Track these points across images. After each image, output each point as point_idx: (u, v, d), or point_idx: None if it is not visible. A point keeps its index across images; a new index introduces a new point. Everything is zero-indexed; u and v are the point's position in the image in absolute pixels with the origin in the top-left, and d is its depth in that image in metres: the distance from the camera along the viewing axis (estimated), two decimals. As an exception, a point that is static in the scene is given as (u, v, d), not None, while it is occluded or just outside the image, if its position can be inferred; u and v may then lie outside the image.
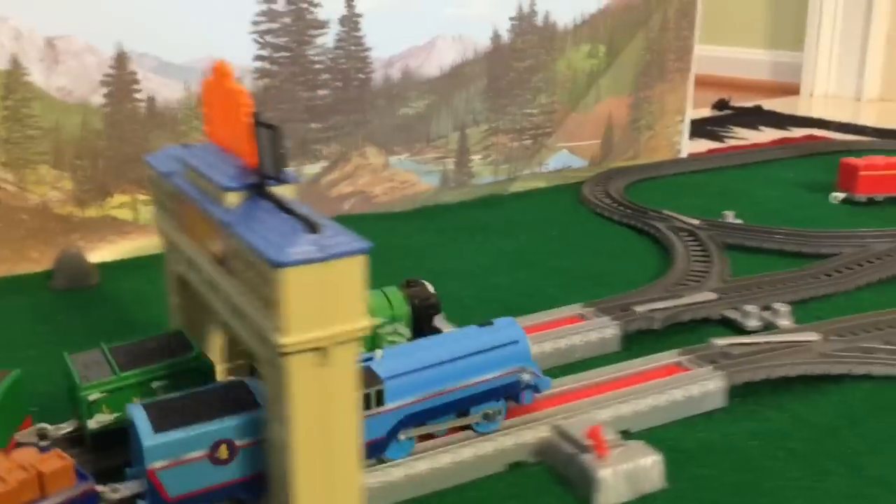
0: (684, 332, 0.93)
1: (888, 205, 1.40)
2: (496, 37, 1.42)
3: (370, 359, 0.66)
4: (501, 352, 0.70)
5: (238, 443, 0.58)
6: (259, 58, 1.22)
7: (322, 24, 1.25)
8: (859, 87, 2.55)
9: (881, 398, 0.79)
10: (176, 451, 0.56)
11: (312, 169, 1.30)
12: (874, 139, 1.93)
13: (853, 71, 2.56)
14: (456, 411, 0.69)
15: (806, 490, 0.66)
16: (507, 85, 1.46)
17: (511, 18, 1.43)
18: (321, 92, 1.28)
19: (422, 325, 0.79)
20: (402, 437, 0.66)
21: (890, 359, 0.83)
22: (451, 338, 0.71)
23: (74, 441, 0.67)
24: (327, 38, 1.26)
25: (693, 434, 0.73)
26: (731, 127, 2.12)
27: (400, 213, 1.37)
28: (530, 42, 1.46)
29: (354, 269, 0.52)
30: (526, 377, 0.70)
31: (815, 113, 2.33)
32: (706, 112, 2.34)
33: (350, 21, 1.28)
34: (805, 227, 1.24)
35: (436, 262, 1.15)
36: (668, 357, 0.82)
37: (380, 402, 0.64)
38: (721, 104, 2.39)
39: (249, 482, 0.59)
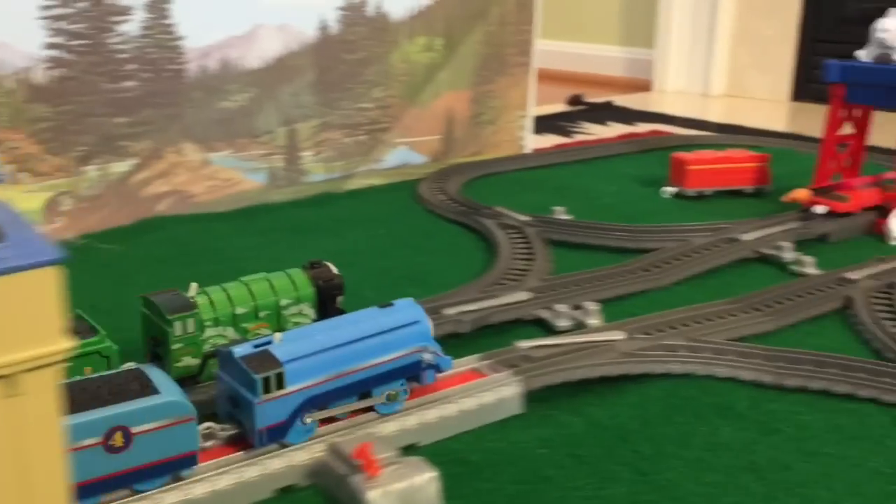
0: (495, 334, 0.90)
1: (716, 199, 1.42)
2: (324, 27, 1.36)
3: (269, 342, 0.66)
4: (402, 332, 0.70)
5: (134, 430, 0.57)
6: (52, 46, 1.11)
7: (124, 11, 1.16)
8: (707, 84, 2.63)
9: (676, 398, 0.77)
10: (69, 437, 0.52)
11: (120, 167, 1.21)
12: (715, 134, 1.98)
13: (701, 68, 2.64)
14: (358, 393, 0.69)
15: (588, 499, 0.63)
16: (337, 78, 1.40)
17: (339, 8, 1.37)
18: (127, 83, 1.18)
19: (326, 306, 0.79)
20: (305, 420, 0.66)
21: (690, 357, 0.83)
22: (351, 319, 0.70)
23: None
24: (131, 26, 1.17)
25: (482, 444, 0.70)
26: (581, 122, 2.14)
27: (220, 214, 1.28)
28: (361, 33, 1.40)
29: (46, 284, 0.45)
30: (427, 357, 0.71)
31: (666, 109, 2.38)
32: (560, 107, 2.36)
33: (157, 7, 1.19)
34: (635, 222, 1.25)
35: (249, 265, 1.07)
36: (467, 363, 0.79)
37: (280, 385, 0.64)
38: (574, 100, 2.41)
39: (147, 471, 0.58)
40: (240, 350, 0.64)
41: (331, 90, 1.40)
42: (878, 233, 1.23)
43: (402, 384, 0.70)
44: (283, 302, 0.77)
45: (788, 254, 1.11)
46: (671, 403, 0.77)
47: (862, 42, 1.28)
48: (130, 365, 0.64)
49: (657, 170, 1.58)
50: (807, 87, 2.48)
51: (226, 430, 0.65)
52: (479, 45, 1.57)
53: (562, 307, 0.92)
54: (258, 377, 0.62)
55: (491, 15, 1.57)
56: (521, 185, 1.51)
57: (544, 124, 2.10)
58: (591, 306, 0.92)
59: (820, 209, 1.23)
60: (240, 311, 0.75)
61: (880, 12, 1.27)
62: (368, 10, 1.40)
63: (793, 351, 0.84)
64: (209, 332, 0.73)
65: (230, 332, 0.74)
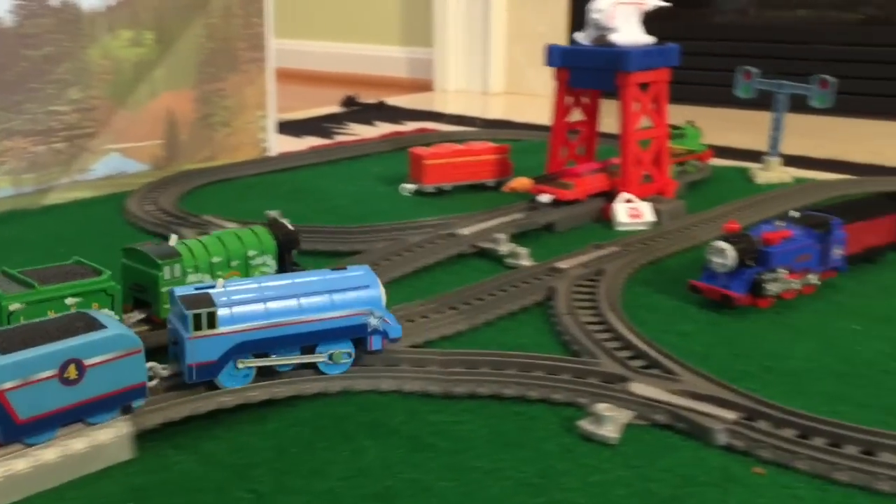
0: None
1: (456, 193, 1.35)
2: (-9, 19, 1.18)
3: (213, 287, 0.68)
4: (350, 294, 0.71)
5: (87, 362, 0.59)
6: None
7: None
8: (486, 82, 2.61)
9: (326, 419, 0.67)
10: (24, 371, 0.56)
11: None
12: (479, 129, 1.93)
13: (479, 67, 2.61)
14: (299, 346, 0.70)
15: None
16: (17, 77, 1.22)
17: (12, -2, 1.19)
18: None
19: (283, 258, 0.89)
20: (239, 366, 0.67)
21: (352, 372, 0.73)
22: (301, 276, 0.73)
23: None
24: None
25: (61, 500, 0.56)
26: (348, 123, 2.04)
27: None
28: (45, 26, 1.23)
29: None
30: (374, 321, 0.71)
31: (443, 107, 2.32)
32: (335, 109, 2.25)
33: None
34: (364, 222, 1.15)
35: None
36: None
37: (211, 324, 0.66)
38: (348, 101, 2.31)
39: (99, 403, 0.60)
40: (181, 290, 0.68)
41: (10, 91, 1.21)
42: (607, 219, 1.19)
43: (347, 346, 0.71)
44: (251, 253, 0.86)
45: (504, 246, 1.04)
46: (318, 426, 0.66)
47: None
48: (77, 311, 0.66)
49: (405, 167, 1.49)
50: (580, 81, 2.50)
51: (166, 370, 0.67)
52: (201, 40, 1.43)
53: (225, 323, 0.80)
54: (189, 313, 0.65)
55: (212, 6, 1.44)
56: (253, 191, 1.38)
57: (308, 126, 1.99)
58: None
59: (545, 198, 1.18)
60: (215, 259, 0.83)
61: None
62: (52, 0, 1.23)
63: (473, 353, 0.76)
64: (190, 277, 0.80)
65: (207, 279, 0.81)
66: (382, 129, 1.98)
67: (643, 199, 1.20)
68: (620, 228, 1.17)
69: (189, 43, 1.42)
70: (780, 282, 0.90)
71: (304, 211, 1.25)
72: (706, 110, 1.97)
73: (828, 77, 1.37)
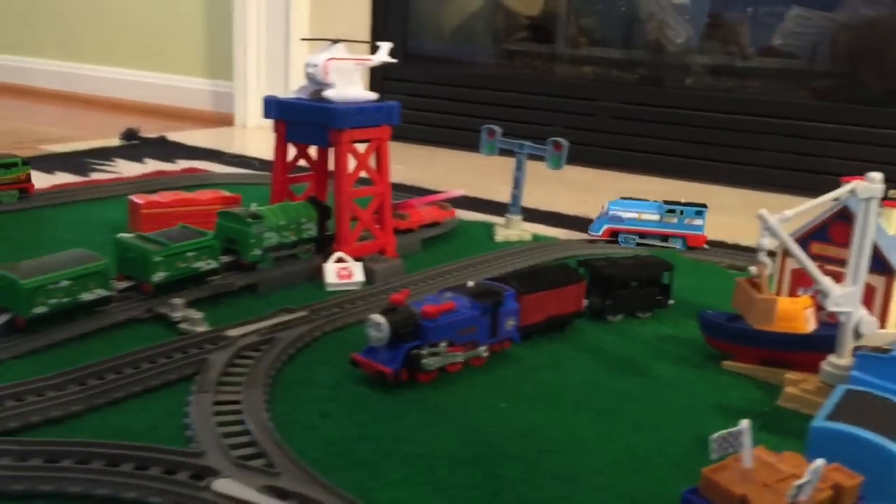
0: None
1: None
2: None
3: None
4: None
5: None
6: None
7: None
8: (287, 120, 2.55)
9: None
10: None
11: None
12: (256, 171, 1.86)
13: (281, 103, 2.55)
14: None
15: None
16: None
17: None
18: None
19: (322, 225, 1.20)
20: None
21: None
22: None
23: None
24: None
25: None
26: (116, 159, 1.93)
27: None
28: None
29: None
30: None
31: (237, 146, 2.25)
32: (111, 142, 2.13)
33: None
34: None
35: None
36: None
37: None
38: (129, 134, 2.19)
39: None
40: None
41: None
42: (320, 278, 1.15)
43: None
44: (302, 220, 1.16)
45: (178, 311, 0.98)
46: None
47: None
48: None
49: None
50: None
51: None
52: None
53: None
54: None
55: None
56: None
57: (67, 161, 1.86)
58: None
59: None
60: (280, 222, 1.13)
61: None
62: None
63: (64, 443, 0.69)
64: (266, 234, 1.11)
65: (275, 236, 1.12)
66: (151, 166, 1.88)
67: (358, 258, 1.17)
68: (330, 289, 1.13)
69: None
70: (440, 356, 0.88)
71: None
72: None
73: (561, 140, 1.40)
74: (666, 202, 1.42)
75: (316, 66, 1.16)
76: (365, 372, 0.87)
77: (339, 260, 1.16)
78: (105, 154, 1.97)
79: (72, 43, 2.98)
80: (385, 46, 1.28)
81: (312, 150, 1.27)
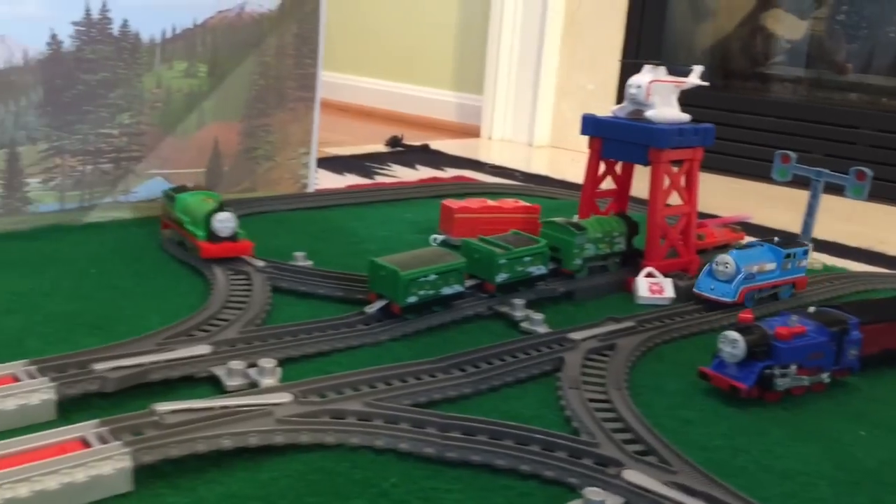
0: (153, 394, 0.79)
1: (483, 249, 1.37)
2: (55, 42, 1.23)
3: None
4: None
5: None
6: None
7: None
8: (531, 134, 2.64)
9: (319, 473, 0.69)
10: None
11: None
12: (519, 183, 1.95)
13: (526, 118, 2.64)
14: None
15: None
16: (73, 99, 1.27)
17: (75, 23, 1.25)
18: None
19: (630, 240, 1.26)
20: None
21: (351, 426, 0.74)
22: None
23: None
24: None
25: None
26: (391, 164, 2.08)
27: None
28: (103, 53, 1.29)
29: None
30: None
31: (485, 156, 2.35)
32: (379, 148, 2.29)
33: None
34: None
35: None
36: (78, 430, 0.68)
37: None
38: (393, 141, 2.35)
39: None
40: None
41: (64, 112, 1.27)
42: (629, 292, 1.20)
43: None
44: (615, 234, 1.23)
45: (519, 311, 1.06)
46: (310, 480, 0.68)
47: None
48: None
49: (437, 216, 1.52)
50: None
51: None
52: (254, 76, 1.48)
53: (237, 364, 0.82)
54: None
55: (266, 45, 1.49)
56: (284, 226, 1.42)
57: (350, 164, 2.03)
58: (268, 364, 0.82)
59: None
60: (597, 235, 1.20)
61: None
62: (113, 28, 1.28)
63: (472, 419, 0.77)
64: (587, 245, 1.19)
65: (593, 248, 1.20)
66: (423, 173, 2.01)
67: (666, 274, 1.21)
68: (640, 302, 1.17)
69: (241, 78, 1.47)
70: (789, 377, 0.89)
71: (331, 251, 1.27)
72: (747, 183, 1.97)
73: (865, 169, 1.37)
74: (772, 242, 1.19)
75: (639, 87, 1.21)
76: (714, 385, 0.90)
77: (650, 275, 1.20)
78: (381, 159, 2.12)
79: (332, 54, 3.22)
80: (697, 69, 1.30)
81: (618, 167, 1.32)
